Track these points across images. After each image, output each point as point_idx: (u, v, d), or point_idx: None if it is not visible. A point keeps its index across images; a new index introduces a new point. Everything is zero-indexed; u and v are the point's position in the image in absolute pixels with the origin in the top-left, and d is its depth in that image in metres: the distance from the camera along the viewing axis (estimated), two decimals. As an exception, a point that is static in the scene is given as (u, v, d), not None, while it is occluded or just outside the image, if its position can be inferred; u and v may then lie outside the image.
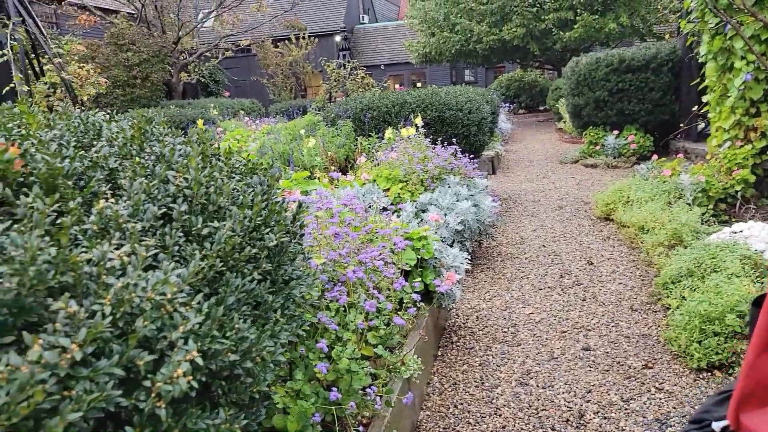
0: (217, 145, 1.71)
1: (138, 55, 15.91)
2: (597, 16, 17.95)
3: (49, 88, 4.90)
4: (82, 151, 1.27)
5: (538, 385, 3.13)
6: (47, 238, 0.92)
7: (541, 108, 24.12)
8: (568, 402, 2.95)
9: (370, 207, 4.96)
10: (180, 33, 19.67)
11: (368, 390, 2.14)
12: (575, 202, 7.43)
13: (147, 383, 0.92)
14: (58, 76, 4.74)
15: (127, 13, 18.93)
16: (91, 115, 1.58)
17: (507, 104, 20.50)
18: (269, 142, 7.55)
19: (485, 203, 5.00)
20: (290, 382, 2.01)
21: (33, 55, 5.01)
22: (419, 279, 3.32)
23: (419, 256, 3.35)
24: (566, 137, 14.26)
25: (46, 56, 4.88)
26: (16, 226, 0.94)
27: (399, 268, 3.14)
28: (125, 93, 15.47)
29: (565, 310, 4.06)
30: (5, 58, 4.50)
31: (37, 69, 5.04)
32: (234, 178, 1.46)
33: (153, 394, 0.91)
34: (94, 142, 1.41)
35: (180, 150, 1.41)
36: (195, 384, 0.94)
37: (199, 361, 0.94)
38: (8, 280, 0.83)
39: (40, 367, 0.79)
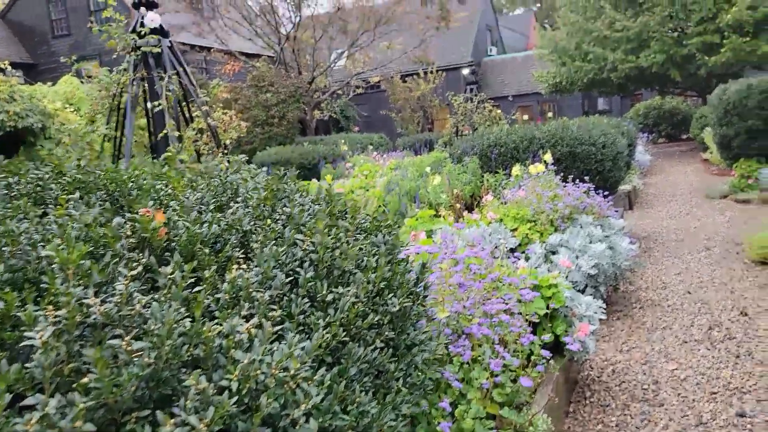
0: (343, 201, 1.73)
1: (276, 95, 17.04)
2: (748, 39, 16.47)
3: (196, 134, 5.34)
4: (219, 214, 1.34)
5: (684, 456, 2.82)
6: (182, 309, 0.96)
7: (684, 137, 22.44)
8: (722, 479, 2.62)
9: (496, 247, 4.84)
10: (314, 73, 20.84)
11: (493, 453, 2.03)
12: (725, 242, 6.75)
13: (269, 459, 0.92)
14: (204, 122, 5.16)
15: (267, 56, 20.42)
16: (230, 172, 1.68)
17: (645, 134, 19.32)
18: (396, 179, 7.66)
19: (621, 245, 4.68)
20: (412, 439, 1.96)
21: (184, 103, 5.49)
22: (549, 332, 3.14)
23: (549, 304, 3.18)
24: (713, 169, 13.11)
25: (195, 104, 5.33)
26: (156, 296, 0.99)
27: (527, 320, 2.99)
28: (264, 132, 16.59)
29: (715, 368, 3.64)
30: (161, 107, 4.96)
31: (187, 116, 5.51)
32: (358, 238, 1.46)
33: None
34: (232, 203, 1.48)
35: (309, 209, 1.44)
36: (315, 461, 0.92)
37: (320, 437, 0.93)
38: (147, 355, 0.87)
39: (172, 444, 0.81)
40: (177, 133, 4.87)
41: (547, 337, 2.67)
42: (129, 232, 1.14)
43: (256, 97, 17.26)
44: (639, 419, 3.16)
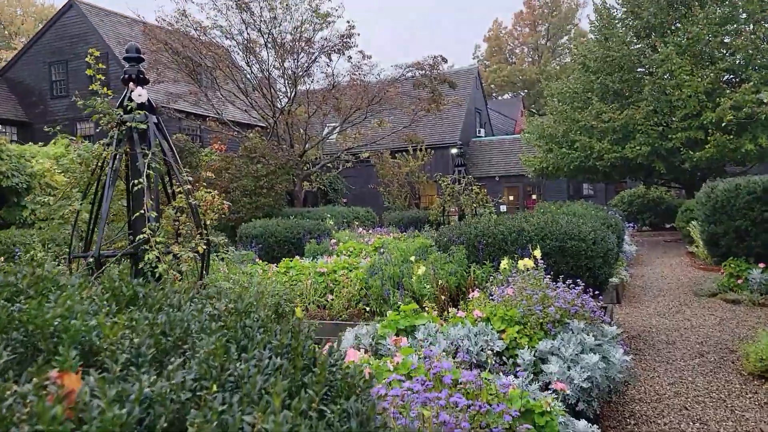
0: (311, 348, 1.48)
1: (266, 167, 17.02)
2: (731, 136, 16.90)
3: (176, 213, 5.10)
4: (154, 377, 1.08)
5: None
6: None
7: (667, 226, 22.65)
8: None
9: (482, 350, 4.55)
10: (306, 146, 20.99)
11: None
12: (718, 348, 6.50)
13: None
14: (186, 202, 4.93)
15: (260, 127, 20.60)
16: (181, 306, 1.43)
17: (631, 224, 19.41)
18: (380, 263, 7.43)
19: (615, 356, 4.41)
20: None
21: (168, 180, 5.28)
22: (541, 463, 2.82)
23: (541, 433, 2.88)
24: (699, 263, 13.06)
25: (177, 182, 5.12)
26: None
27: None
28: (252, 201, 16.44)
29: (722, 508, 3.31)
30: (140, 186, 4.74)
31: (169, 193, 5.29)
32: (326, 413, 1.20)
33: None
34: (174, 354, 1.22)
35: (268, 367, 1.18)
36: None
37: None
38: None
39: None
40: (154, 214, 4.63)
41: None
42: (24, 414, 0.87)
43: (247, 167, 17.23)
44: None
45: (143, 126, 5.01)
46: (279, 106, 20.72)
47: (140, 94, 4.63)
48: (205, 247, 4.90)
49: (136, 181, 4.73)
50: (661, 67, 18.31)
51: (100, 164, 4.97)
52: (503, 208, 28.72)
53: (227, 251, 5.17)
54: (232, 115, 22.38)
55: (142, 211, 4.55)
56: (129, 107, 4.90)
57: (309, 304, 7.91)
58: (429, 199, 28.87)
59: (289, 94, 21.19)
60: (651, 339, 7.04)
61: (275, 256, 11.41)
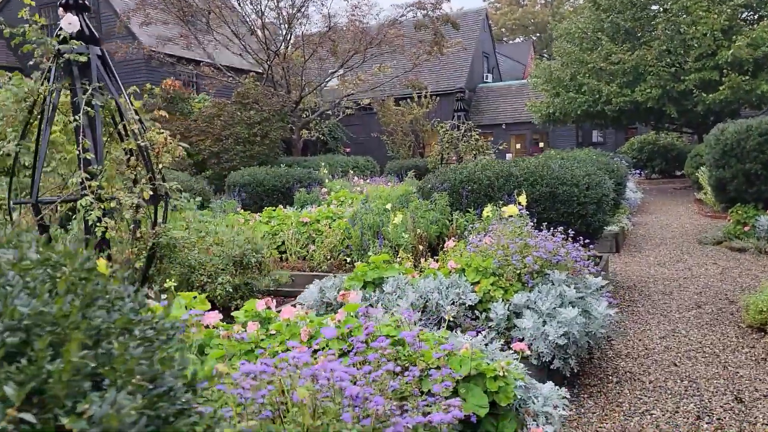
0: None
1: (259, 113, 16.46)
2: (747, 77, 16.04)
3: (128, 156, 4.69)
4: None
5: None
6: None
7: (678, 173, 21.98)
8: None
9: (453, 303, 4.18)
10: (303, 92, 20.32)
11: None
12: (717, 299, 6.11)
13: None
14: (134, 143, 4.51)
15: (256, 73, 19.90)
16: None
17: (638, 171, 18.77)
18: (361, 212, 7.03)
19: (598, 310, 4.02)
20: None
21: (120, 120, 4.85)
22: (490, 435, 2.47)
23: (495, 400, 2.51)
24: (706, 210, 12.56)
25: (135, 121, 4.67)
26: None
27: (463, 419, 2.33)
28: (245, 150, 15.98)
29: (703, 478, 2.97)
30: (76, 123, 4.32)
31: (122, 133, 4.86)
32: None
33: None
34: None
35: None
36: None
37: None
38: None
39: None
40: (90, 156, 4.22)
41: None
42: None
43: (240, 114, 16.69)
44: None
45: (83, 58, 4.55)
46: (274, 49, 19.96)
47: (70, 22, 4.14)
48: (152, 193, 4.50)
49: (72, 119, 4.31)
50: (676, 3, 17.30)
51: (34, 100, 4.54)
52: (509, 156, 28.03)
53: (180, 198, 4.76)
54: (227, 60, 21.65)
55: (77, 151, 4.14)
56: (62, 36, 4.43)
57: (290, 255, 7.58)
58: (433, 149, 28.25)
59: (284, 36, 20.38)
60: (647, 290, 6.66)
61: (264, 206, 11.05)
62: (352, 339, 2.47)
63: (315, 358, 2.49)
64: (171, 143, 4.89)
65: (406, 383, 2.02)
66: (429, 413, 1.88)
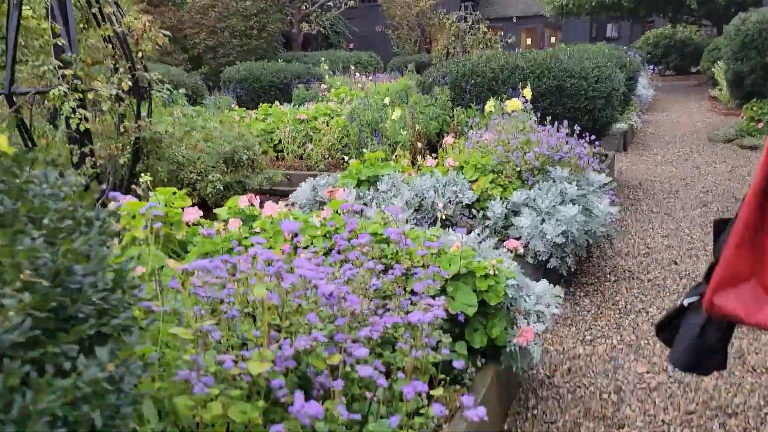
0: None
1: (256, 4, 15.62)
2: (776, -38, 14.92)
3: (105, 44, 4.38)
4: None
5: None
6: None
7: (693, 70, 21.12)
8: None
9: (450, 202, 4.04)
10: (302, -18, 19.23)
11: None
12: (724, 198, 5.95)
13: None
14: (110, 28, 4.20)
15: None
16: None
17: (651, 67, 17.98)
18: (359, 108, 6.75)
19: (599, 207, 3.87)
20: None
21: (96, 2, 4.50)
22: (481, 335, 2.39)
23: (484, 299, 2.41)
24: (720, 108, 12.13)
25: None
26: None
27: (449, 317, 2.24)
28: (242, 44, 15.32)
29: (695, 376, 2.93)
30: (43, 4, 4.00)
31: (98, 17, 4.52)
32: None
33: None
34: None
35: None
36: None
37: None
38: None
39: None
40: (62, 42, 3.93)
41: (459, 363, 1.90)
42: None
43: (236, 4, 15.84)
44: (589, 447, 2.47)
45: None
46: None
47: None
48: (132, 84, 4.24)
49: None
50: None
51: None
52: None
53: (163, 89, 4.50)
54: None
55: (46, 37, 3.85)
56: None
57: (287, 154, 7.38)
58: (440, 43, 27.09)
59: None
60: (652, 189, 6.48)
61: (261, 102, 10.70)
62: (336, 237, 2.34)
63: (295, 256, 2.37)
64: (152, 30, 4.55)
65: (389, 282, 1.90)
66: (411, 312, 1.77)
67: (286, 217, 2.71)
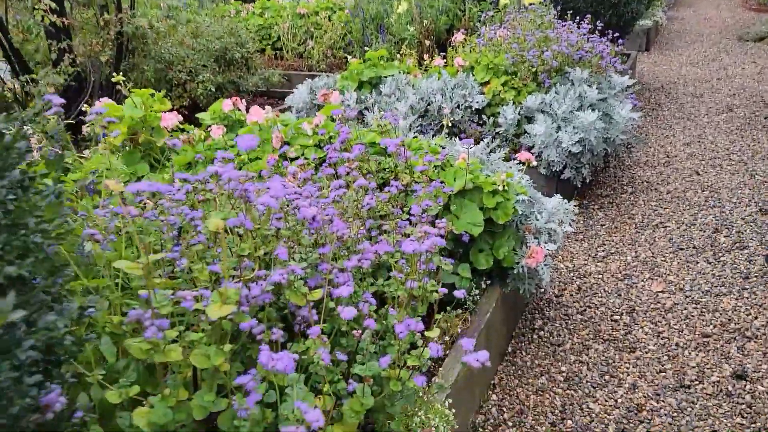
0: None
1: None
2: None
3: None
4: None
5: (648, 447, 2.03)
6: None
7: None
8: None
9: (458, 107, 3.73)
10: None
11: None
12: (752, 101, 5.56)
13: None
14: None
15: None
16: None
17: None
18: (364, 1, 6.23)
19: (620, 113, 3.55)
20: None
21: None
22: (486, 256, 2.19)
23: (491, 217, 2.19)
24: (751, 3, 11.28)
25: None
26: None
27: (452, 236, 2.03)
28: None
29: (714, 293, 2.76)
30: None
31: None
32: None
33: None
34: None
35: None
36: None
37: None
38: None
39: None
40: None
41: (460, 292, 1.70)
42: None
43: None
44: (597, 372, 2.33)
45: None
46: None
47: None
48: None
49: None
50: None
51: None
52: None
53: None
54: None
55: None
56: None
57: (286, 52, 6.92)
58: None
59: None
60: (675, 92, 6.07)
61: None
62: (327, 147, 2.08)
63: (283, 169, 2.13)
64: None
65: (383, 201, 1.67)
66: (406, 239, 1.55)
67: (274, 124, 2.44)
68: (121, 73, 4.23)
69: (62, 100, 1.42)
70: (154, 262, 1.16)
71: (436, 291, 1.59)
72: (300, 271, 1.26)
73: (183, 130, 2.81)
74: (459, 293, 1.62)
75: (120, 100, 3.16)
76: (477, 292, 2.23)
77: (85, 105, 4.14)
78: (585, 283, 2.91)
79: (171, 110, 2.97)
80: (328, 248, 1.41)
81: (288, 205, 1.44)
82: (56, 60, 4.20)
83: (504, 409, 2.18)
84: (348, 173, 1.71)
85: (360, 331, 1.36)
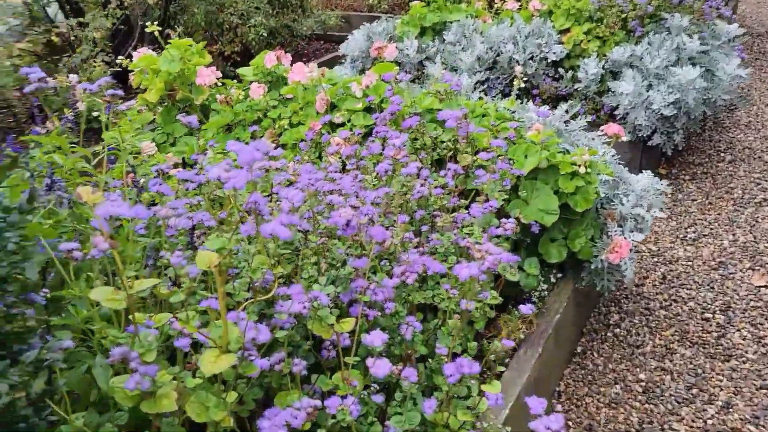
0: None
1: None
2: None
3: None
4: None
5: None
6: None
7: None
8: None
9: (531, 58, 3.30)
10: None
11: None
12: None
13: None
14: None
15: None
16: None
17: None
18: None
19: (726, 70, 3.03)
20: None
21: None
22: (559, 247, 1.87)
23: (567, 202, 1.85)
24: None
25: None
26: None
27: (520, 224, 1.72)
28: None
29: (830, 294, 2.34)
30: None
31: None
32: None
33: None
34: None
35: None
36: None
37: None
38: None
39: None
40: None
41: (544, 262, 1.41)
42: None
43: None
44: (683, 383, 2.00)
45: None
46: None
47: None
48: None
49: None
50: None
51: None
52: None
53: None
54: None
55: None
56: None
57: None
58: None
59: None
60: (784, 38, 5.31)
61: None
62: (375, 116, 1.78)
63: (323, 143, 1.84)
64: None
65: (435, 196, 1.37)
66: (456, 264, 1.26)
67: (319, 83, 2.14)
68: (169, 17, 3.96)
69: (41, 74, 1.18)
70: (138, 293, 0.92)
71: (496, 304, 1.31)
72: (325, 300, 1.00)
73: (224, 85, 2.56)
74: (526, 309, 1.33)
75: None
76: (545, 287, 1.92)
77: (133, 51, 3.96)
78: (671, 271, 2.54)
79: (220, 54, 2.70)
80: (364, 261, 1.13)
81: (319, 196, 1.17)
82: (105, 1, 4.01)
83: (570, 423, 1.90)
84: (396, 158, 1.41)
85: (400, 369, 1.09)
